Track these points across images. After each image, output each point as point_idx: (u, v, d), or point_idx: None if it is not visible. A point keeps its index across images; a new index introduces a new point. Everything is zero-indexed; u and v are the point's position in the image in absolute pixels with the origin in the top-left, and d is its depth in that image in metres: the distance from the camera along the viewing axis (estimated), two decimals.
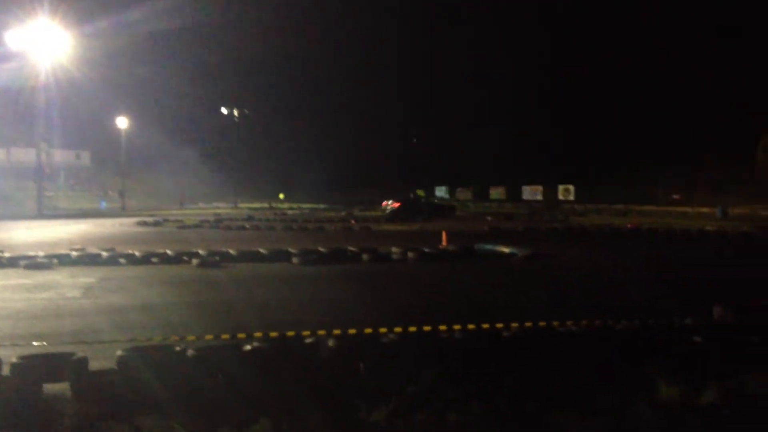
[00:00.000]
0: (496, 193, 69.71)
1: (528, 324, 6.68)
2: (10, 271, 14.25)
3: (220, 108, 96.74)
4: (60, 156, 76.55)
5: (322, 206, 62.92)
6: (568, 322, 6.80)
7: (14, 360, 5.33)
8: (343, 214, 43.21)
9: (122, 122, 63.44)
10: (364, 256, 16.19)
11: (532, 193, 65.17)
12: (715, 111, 60.39)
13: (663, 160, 57.00)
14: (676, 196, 49.38)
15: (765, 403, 5.50)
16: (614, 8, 79.33)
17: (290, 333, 6.36)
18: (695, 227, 26.35)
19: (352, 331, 6.59)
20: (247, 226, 30.82)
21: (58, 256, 15.65)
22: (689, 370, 5.86)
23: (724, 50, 64.79)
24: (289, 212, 47.02)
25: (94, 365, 5.67)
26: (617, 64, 75.03)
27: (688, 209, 41.84)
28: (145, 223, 33.15)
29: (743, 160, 53.74)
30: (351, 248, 17.07)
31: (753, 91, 58.14)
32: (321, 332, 6.40)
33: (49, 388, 5.37)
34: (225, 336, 6.34)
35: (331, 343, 5.91)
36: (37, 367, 5.30)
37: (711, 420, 5.23)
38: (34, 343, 6.66)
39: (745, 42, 63.93)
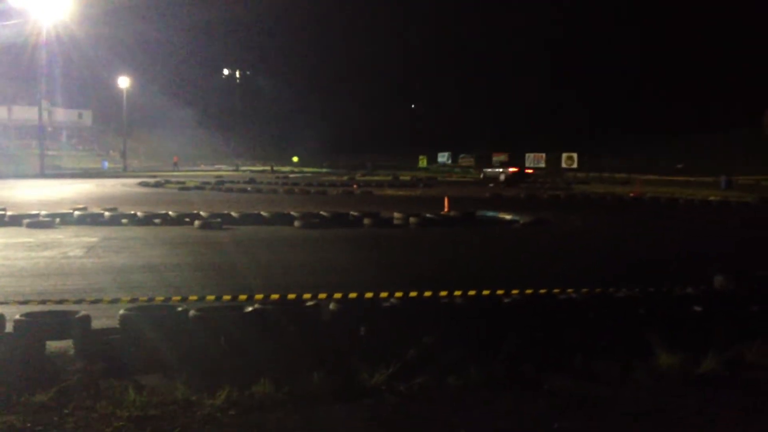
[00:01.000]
0: (499, 160, 69.49)
1: (528, 291, 6.69)
2: (13, 230, 14.28)
3: (222, 68, 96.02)
4: (62, 115, 76.40)
5: (324, 170, 62.85)
6: (569, 290, 6.81)
7: (18, 317, 5.36)
8: (345, 178, 43.17)
9: (124, 82, 63.07)
10: (366, 221, 16.20)
11: (535, 160, 64.88)
12: (720, 80, 59.95)
13: (667, 129, 56.75)
14: (679, 165, 49.20)
15: (764, 374, 5.53)
16: None
17: (291, 296, 6.37)
18: (699, 197, 26.32)
19: (352, 294, 6.60)
20: (249, 188, 30.84)
21: (61, 215, 15.68)
22: (689, 339, 5.88)
23: (731, 16, 64.12)
24: (291, 176, 46.97)
25: (96, 324, 5.70)
26: (621, 30, 74.38)
27: (692, 179, 41.75)
28: (146, 184, 33.17)
29: (749, 131, 53.47)
30: (353, 212, 17.08)
31: (759, 59, 57.70)
32: (322, 295, 6.42)
33: (52, 345, 5.40)
34: (226, 297, 6.36)
35: (332, 306, 5.92)
36: (41, 325, 5.32)
37: (710, 389, 5.27)
38: (37, 301, 6.68)
39: (753, 7, 63.24)
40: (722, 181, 36.92)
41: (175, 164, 62.99)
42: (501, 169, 45.53)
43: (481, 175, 46.23)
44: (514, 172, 43.50)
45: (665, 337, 5.87)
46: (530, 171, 46.83)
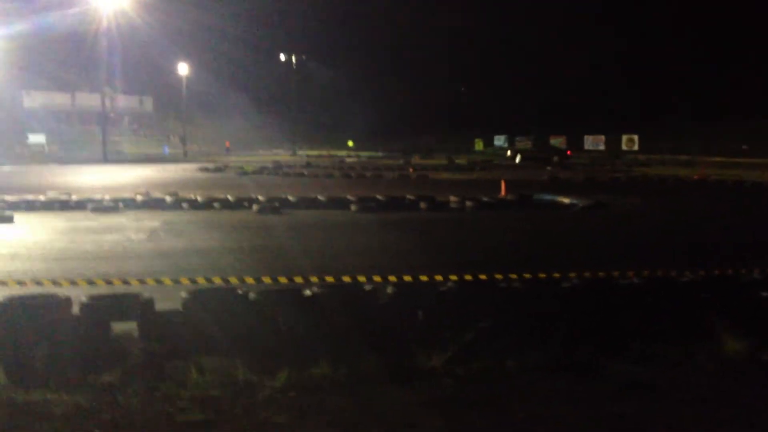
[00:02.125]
0: (557, 142, 68.44)
1: (587, 274, 6.61)
2: (78, 214, 14.69)
3: (278, 54, 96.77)
4: (123, 101, 77.96)
5: (379, 154, 62.90)
6: (629, 273, 6.70)
7: (84, 299, 5.51)
8: (400, 162, 43.14)
9: (183, 68, 64.04)
10: (422, 204, 16.19)
11: (594, 143, 63.75)
12: None
13: (730, 109, 55.19)
14: (745, 147, 47.81)
15: None
16: None
17: (347, 278, 6.41)
18: (766, 179, 25.53)
19: (407, 278, 6.62)
20: (306, 173, 31.05)
21: (124, 200, 16.05)
22: (755, 325, 5.74)
23: None
24: (348, 160, 47.16)
25: (159, 306, 5.83)
26: (687, 12, 72.41)
27: (759, 160, 40.51)
28: (206, 169, 33.69)
29: None
30: (408, 196, 17.08)
31: None
32: (377, 278, 6.44)
33: (117, 327, 5.54)
34: (283, 280, 6.44)
35: (389, 290, 5.94)
36: (107, 307, 5.46)
37: None
38: (103, 283, 6.86)
39: None
40: None
41: (228, 149, 63.52)
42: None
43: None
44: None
45: (730, 323, 5.73)
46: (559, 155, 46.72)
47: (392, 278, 6.54)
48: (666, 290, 6.21)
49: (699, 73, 63.61)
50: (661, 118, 59.78)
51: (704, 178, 26.49)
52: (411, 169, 34.85)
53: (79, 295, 5.78)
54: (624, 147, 59.34)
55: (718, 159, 38.42)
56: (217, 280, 6.27)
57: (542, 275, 6.60)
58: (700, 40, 68.65)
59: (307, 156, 54.23)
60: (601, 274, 6.67)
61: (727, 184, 24.37)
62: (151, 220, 13.70)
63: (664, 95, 64.97)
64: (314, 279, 6.29)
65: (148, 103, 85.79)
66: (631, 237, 12.56)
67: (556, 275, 6.64)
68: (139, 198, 16.42)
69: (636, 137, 59.63)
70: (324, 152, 61.65)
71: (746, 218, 15.26)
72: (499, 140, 77.10)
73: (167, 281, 6.59)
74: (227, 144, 64.87)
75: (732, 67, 62.62)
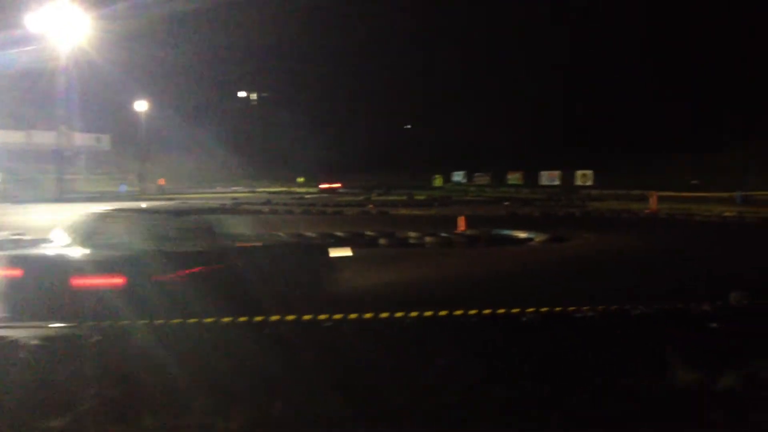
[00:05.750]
0: (514, 178, 69.32)
1: (543, 309, 6.71)
2: None
3: (237, 91, 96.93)
4: (80, 139, 76.97)
5: (340, 190, 62.95)
6: (585, 308, 6.83)
7: (36, 342, 5.43)
8: (360, 198, 43.27)
9: (141, 105, 63.67)
10: (382, 241, 16.27)
11: (549, 178, 64.74)
12: (734, 96, 59.83)
13: (682, 145, 56.62)
14: (695, 182, 48.98)
15: None
16: None
17: (307, 317, 6.42)
18: (714, 213, 26.19)
19: (368, 315, 6.65)
20: (265, 209, 30.97)
21: None
22: (706, 357, 5.88)
23: (745, 31, 64.03)
24: (307, 196, 47.15)
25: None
26: (633, 49, 74.43)
27: (708, 194, 41.50)
28: None
29: (764, 145, 53.22)
30: (368, 232, 17.15)
31: None
32: (337, 316, 6.46)
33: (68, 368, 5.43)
34: (243, 318, 6.42)
35: (346, 327, 5.97)
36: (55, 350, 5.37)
37: (727, 405, 5.26)
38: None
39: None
40: (737, 196, 36.69)
41: (162, 187, 58.19)
42: None
43: None
44: None
45: (682, 355, 5.86)
46: None
47: (353, 316, 6.56)
48: (622, 324, 6.35)
49: (652, 109, 65.09)
50: (615, 153, 60.93)
51: (655, 212, 27.07)
52: (371, 206, 34.99)
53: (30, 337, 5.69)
54: (578, 182, 60.34)
55: (669, 193, 39.24)
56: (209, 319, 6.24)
57: (501, 311, 6.67)
58: (653, 75, 70.46)
59: (267, 192, 54.05)
60: (557, 309, 6.78)
61: (677, 217, 24.99)
62: None
63: (619, 131, 66.31)
64: (275, 318, 6.28)
65: (106, 141, 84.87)
66: (585, 270, 12.76)
67: (515, 311, 6.72)
68: None
69: (590, 173, 60.71)
70: (284, 188, 61.53)
71: (695, 251, 15.61)
72: (458, 176, 77.83)
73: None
74: (161, 182, 60.45)
75: (685, 102, 64.26)
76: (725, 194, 39.55)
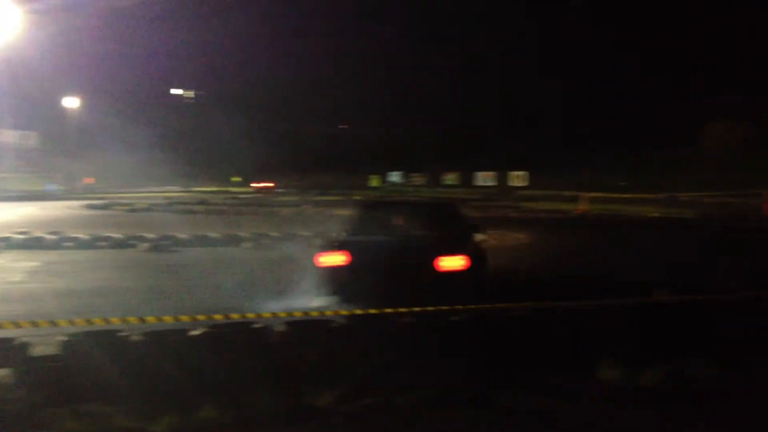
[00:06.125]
0: (450, 178, 70.00)
1: (473, 307, 6.73)
2: None
3: (170, 88, 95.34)
4: (6, 136, 74.63)
5: (276, 190, 62.44)
6: (515, 305, 6.89)
7: None
8: (296, 198, 43.00)
9: (70, 102, 61.99)
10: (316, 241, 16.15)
11: (485, 179, 65.63)
12: (661, 99, 61.59)
13: (611, 148, 58.01)
14: (623, 183, 50.20)
15: (701, 386, 5.65)
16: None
17: (235, 316, 6.30)
18: (640, 213, 26.89)
19: (298, 314, 6.58)
20: (199, 209, 30.48)
21: (1, 239, 15.28)
22: (632, 352, 5.99)
23: (672, 37, 65.96)
24: (242, 196, 46.60)
25: (38, 350, 5.55)
26: (565, 50, 75.92)
27: (635, 195, 42.55)
28: (92, 206, 32.54)
29: (690, 149, 54.94)
30: (303, 232, 17.03)
31: (699, 79, 59.50)
32: (267, 315, 6.37)
33: None
34: (169, 320, 6.26)
35: (280, 327, 5.88)
36: None
37: (651, 401, 5.36)
38: None
39: (691, 30, 65.17)
40: (664, 197, 37.72)
41: (90, 186, 56.94)
42: None
43: None
44: None
45: (609, 350, 5.96)
46: None
47: (283, 314, 6.47)
48: (551, 321, 6.42)
49: (586, 109, 66.43)
50: (549, 154, 61.99)
51: (585, 213, 27.66)
52: (307, 205, 34.78)
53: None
54: (513, 183, 61.25)
55: (599, 194, 40.09)
56: (99, 322, 6.03)
57: (431, 309, 6.66)
58: (583, 78, 71.93)
59: (201, 192, 53.26)
60: (487, 306, 6.81)
61: (605, 217, 25.62)
62: (31, 261, 13.08)
63: (553, 131, 67.46)
64: (202, 318, 6.14)
65: (34, 139, 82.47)
66: (517, 268, 12.91)
67: (445, 308, 6.72)
68: (17, 237, 15.64)
69: (524, 173, 61.68)
70: (218, 188, 60.72)
71: (618, 248, 15.99)
72: (395, 176, 78.14)
73: (44, 324, 6.29)
74: (89, 180, 57.87)
75: (615, 103, 65.77)
76: (653, 195, 40.64)
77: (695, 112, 57.89)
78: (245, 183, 70.50)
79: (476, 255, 8.62)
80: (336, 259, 8.06)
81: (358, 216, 9.68)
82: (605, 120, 63.11)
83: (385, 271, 7.88)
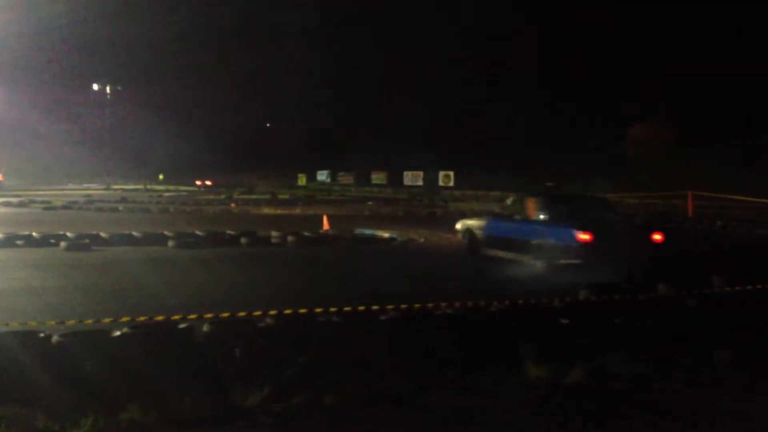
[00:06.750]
0: (378, 178, 70.17)
1: (403, 306, 6.76)
2: None
3: (91, 84, 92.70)
4: None
5: (200, 189, 61.53)
6: (443, 304, 6.95)
7: None
8: (222, 197, 42.43)
9: None
10: (243, 240, 15.96)
11: (413, 178, 65.96)
12: (586, 102, 63.11)
13: (538, 149, 59.18)
14: (549, 184, 51.27)
15: (625, 384, 5.81)
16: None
17: (159, 317, 6.17)
18: None
19: (224, 314, 6.48)
20: (121, 207, 29.75)
21: None
22: (557, 351, 6.11)
23: (597, 43, 67.66)
24: (166, 194, 45.69)
25: None
26: (493, 54, 77.10)
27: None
28: (9, 204, 31.41)
29: (613, 151, 56.46)
30: (229, 231, 16.80)
31: (623, 83, 61.23)
32: (192, 316, 6.25)
33: None
34: (88, 321, 6.08)
35: (205, 327, 5.78)
36: None
37: (575, 398, 5.48)
38: None
39: (615, 34, 66.99)
40: None
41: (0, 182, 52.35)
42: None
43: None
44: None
45: (535, 349, 6.06)
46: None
47: (209, 315, 6.36)
48: (478, 320, 6.49)
49: (514, 111, 67.43)
50: (477, 154, 62.77)
51: None
52: (233, 204, 34.37)
53: None
54: (441, 183, 61.81)
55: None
56: (15, 324, 5.82)
57: (361, 308, 6.66)
58: (509, 81, 73.16)
59: (123, 190, 52.00)
60: (416, 305, 6.85)
61: None
62: None
63: (480, 131, 68.29)
64: (125, 319, 5.99)
65: None
66: (444, 268, 13.04)
67: (375, 308, 6.73)
68: None
69: (452, 173, 62.29)
70: (140, 186, 59.40)
71: None
72: (322, 175, 77.92)
73: None
74: (0, 177, 55.31)
75: (544, 103, 67.02)
76: None
77: (620, 115, 59.52)
78: (169, 181, 69.20)
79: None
80: (585, 236, 11.36)
81: (560, 206, 13.00)
82: (535, 122, 64.23)
83: (624, 243, 11.66)
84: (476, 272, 12.43)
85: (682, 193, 29.18)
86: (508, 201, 14.92)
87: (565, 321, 6.54)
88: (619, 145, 58.51)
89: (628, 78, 61.26)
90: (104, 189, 55.49)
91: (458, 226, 15.12)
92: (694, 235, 19.82)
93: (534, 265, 12.01)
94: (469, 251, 14.33)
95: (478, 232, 14.16)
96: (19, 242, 14.86)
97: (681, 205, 28.37)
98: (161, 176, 74.61)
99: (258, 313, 6.48)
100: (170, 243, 15.24)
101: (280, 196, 44.41)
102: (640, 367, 6.00)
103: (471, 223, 14.85)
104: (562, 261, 11.45)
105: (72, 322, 5.90)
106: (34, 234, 15.39)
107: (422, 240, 17.56)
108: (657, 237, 12.06)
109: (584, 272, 10.15)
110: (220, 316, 6.38)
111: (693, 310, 7.11)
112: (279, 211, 30.26)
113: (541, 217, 12.44)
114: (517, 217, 13.12)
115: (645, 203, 34.91)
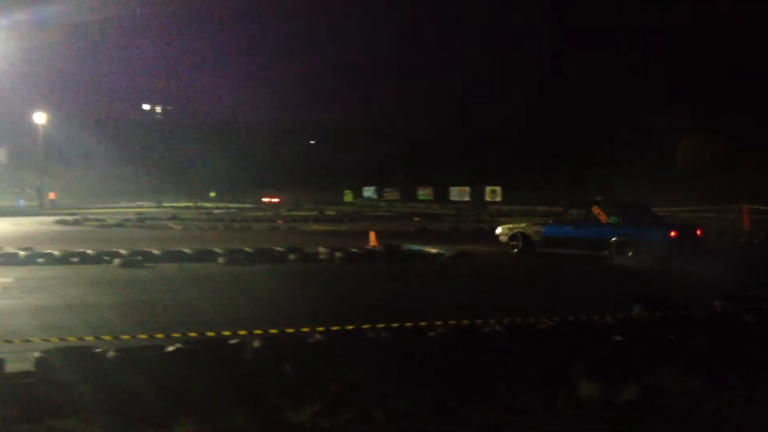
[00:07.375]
0: (424, 194, 70.08)
1: (452, 322, 6.74)
2: None
3: (141, 103, 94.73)
4: None
5: (248, 206, 62.22)
6: (491, 320, 6.90)
7: None
8: (270, 213, 42.82)
9: (40, 117, 61.21)
10: (291, 256, 16.08)
11: (459, 194, 65.72)
12: (636, 115, 62.31)
13: (585, 162, 58.53)
14: (598, 198, 50.77)
15: (680, 400, 5.70)
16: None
17: (210, 333, 6.24)
18: None
19: (273, 330, 6.53)
20: (172, 225, 30.24)
21: None
22: (609, 368, 6.01)
23: (647, 55, 66.87)
24: (215, 212, 46.29)
25: (11, 367, 5.46)
26: (543, 65, 76.65)
27: None
28: (64, 222, 32.16)
29: (664, 164, 55.58)
30: (277, 248, 16.94)
31: (673, 94, 60.35)
32: (242, 332, 6.31)
33: None
34: (143, 336, 6.20)
35: (256, 343, 5.84)
36: None
37: (630, 416, 5.39)
38: None
39: (667, 46, 66.13)
40: None
41: (53, 201, 54.01)
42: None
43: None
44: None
45: (586, 366, 5.98)
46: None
47: (258, 332, 6.43)
48: (528, 337, 6.43)
49: (559, 127, 66.94)
50: (523, 168, 62.35)
51: None
52: (280, 221, 34.65)
53: None
54: (488, 197, 61.47)
55: None
56: (72, 339, 5.96)
57: (409, 324, 6.66)
58: (557, 94, 72.62)
59: (173, 207, 52.83)
60: (465, 322, 6.82)
61: None
62: (4, 277, 12.89)
63: (527, 146, 67.87)
64: (177, 335, 6.09)
65: (2, 154, 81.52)
66: (493, 285, 12.96)
67: (423, 324, 6.73)
68: None
69: (498, 188, 61.90)
70: (190, 203, 60.28)
71: (598, 266, 16.06)
72: (368, 191, 78.16)
73: (17, 341, 6.20)
74: (52, 195, 56.56)
75: (587, 120, 66.40)
76: None
77: (672, 128, 58.62)
78: (220, 199, 70.09)
79: None
80: (674, 233, 15.84)
81: (628, 211, 17.01)
82: (579, 138, 63.67)
83: (691, 238, 16.16)
84: (523, 288, 12.32)
85: (735, 206, 28.55)
86: (568, 210, 18.14)
87: (617, 338, 6.44)
88: (669, 157, 57.60)
89: (678, 88, 60.38)
90: (155, 207, 56.47)
91: (499, 230, 18.29)
92: (750, 249, 19.39)
93: (611, 259, 15.71)
94: (521, 251, 17.23)
95: (533, 235, 17.23)
96: (74, 260, 15.20)
97: (737, 218, 27.74)
98: (213, 193, 75.48)
99: (306, 329, 6.52)
100: (220, 259, 15.43)
101: (327, 213, 44.64)
102: (695, 385, 5.88)
103: (521, 226, 18.03)
104: (655, 254, 14.97)
105: (126, 336, 6.01)
106: (88, 251, 15.73)
107: (470, 255, 17.48)
108: (699, 231, 16.77)
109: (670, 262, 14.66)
110: (269, 332, 6.43)
111: (750, 326, 6.94)
112: (326, 228, 30.43)
113: (612, 220, 16.36)
114: (583, 221, 16.80)
115: (698, 216, 34.21)
